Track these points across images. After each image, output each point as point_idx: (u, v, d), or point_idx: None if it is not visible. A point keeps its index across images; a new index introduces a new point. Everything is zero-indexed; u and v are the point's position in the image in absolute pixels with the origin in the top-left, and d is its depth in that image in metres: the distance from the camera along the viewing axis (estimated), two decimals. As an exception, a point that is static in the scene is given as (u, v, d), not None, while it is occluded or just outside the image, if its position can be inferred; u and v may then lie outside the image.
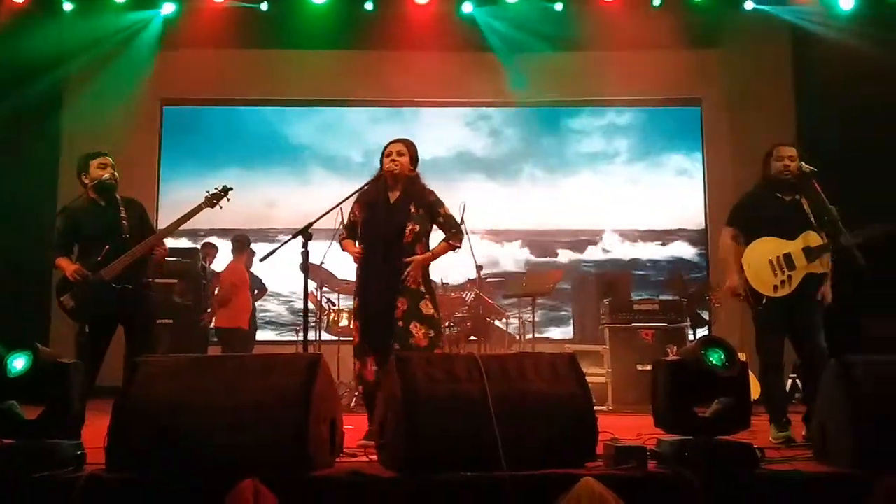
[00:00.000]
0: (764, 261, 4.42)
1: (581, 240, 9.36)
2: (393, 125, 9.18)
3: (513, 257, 9.31)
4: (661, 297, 7.47)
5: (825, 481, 2.99)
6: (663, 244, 9.37)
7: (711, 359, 3.12)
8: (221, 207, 4.96)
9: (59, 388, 3.04)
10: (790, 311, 4.38)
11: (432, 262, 4.45)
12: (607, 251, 9.31)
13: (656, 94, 9.32)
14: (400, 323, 4.25)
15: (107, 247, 4.63)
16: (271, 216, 9.19)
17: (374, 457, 3.26)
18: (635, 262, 9.25)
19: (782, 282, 4.37)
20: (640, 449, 3.03)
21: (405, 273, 4.28)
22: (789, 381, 6.59)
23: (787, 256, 4.39)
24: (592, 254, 9.29)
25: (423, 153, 4.66)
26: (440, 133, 9.42)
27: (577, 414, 3.10)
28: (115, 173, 4.80)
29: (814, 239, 4.40)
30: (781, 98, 8.84)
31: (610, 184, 9.47)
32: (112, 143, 6.25)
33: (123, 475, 2.88)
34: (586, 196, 9.42)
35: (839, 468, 3.09)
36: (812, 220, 4.45)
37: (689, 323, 7.03)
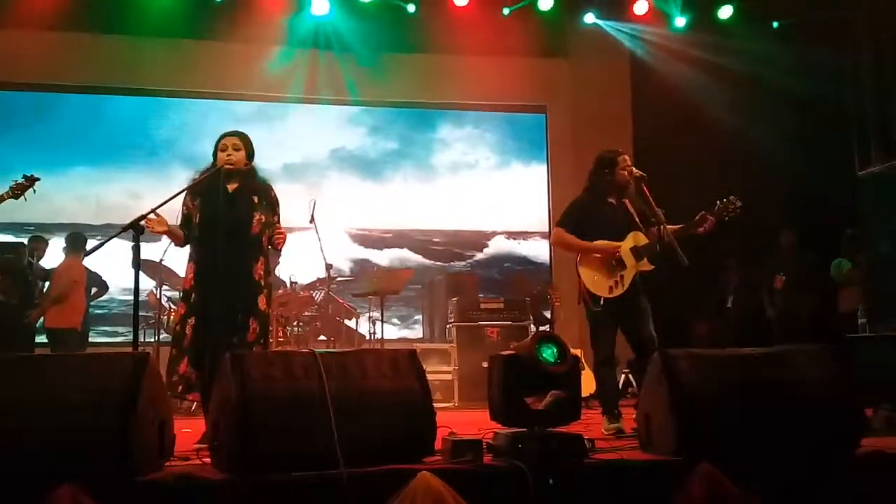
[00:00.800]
0: (597, 265, 4.63)
1: (424, 239, 9.46)
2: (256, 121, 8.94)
3: (387, 257, 9.27)
4: (506, 297, 7.67)
5: (648, 469, 3.15)
6: (516, 244, 9.61)
7: (544, 354, 3.22)
8: (26, 199, 4.63)
9: None
10: (622, 307, 4.61)
11: (279, 258, 4.36)
12: (459, 251, 9.45)
13: (507, 100, 9.57)
14: (238, 317, 4.15)
15: None
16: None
17: (208, 459, 3.13)
18: (487, 263, 9.44)
19: (616, 282, 4.58)
20: (477, 442, 3.09)
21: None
22: (622, 377, 6.92)
23: (618, 258, 4.61)
24: (442, 255, 9.40)
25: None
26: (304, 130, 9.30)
27: (416, 409, 3.11)
28: None
29: (640, 238, 4.65)
30: (620, 107, 9.31)
31: (466, 186, 9.62)
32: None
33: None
34: (443, 198, 9.53)
35: (662, 456, 3.26)
36: (637, 220, 4.70)
37: (531, 321, 7.25)
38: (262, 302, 4.24)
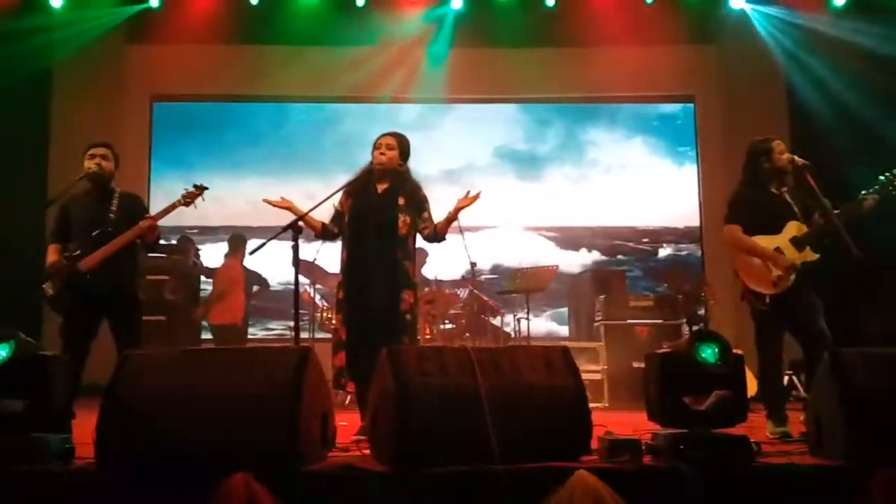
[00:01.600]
0: (757, 261, 4.40)
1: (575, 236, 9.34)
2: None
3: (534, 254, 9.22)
4: (657, 294, 7.45)
5: (819, 475, 2.96)
6: (658, 242, 9.35)
7: (704, 353, 3.10)
8: (196, 207, 4.89)
9: (40, 380, 2.99)
10: (789, 303, 4.36)
11: (425, 259, 4.45)
12: (599, 249, 9.28)
13: (650, 90, 9.30)
14: (407, 316, 4.24)
15: (90, 237, 4.56)
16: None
17: (367, 451, 3.22)
18: (630, 261, 9.22)
19: (779, 276, 4.34)
20: (635, 442, 3.00)
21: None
22: (786, 378, 6.56)
23: (778, 251, 4.37)
24: (584, 253, 9.25)
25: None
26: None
27: (571, 406, 3.06)
28: (105, 164, 4.72)
29: (799, 228, 4.39)
30: (774, 94, 8.84)
31: (616, 180, 9.43)
32: (102, 137, 6.20)
33: (112, 469, 2.84)
34: (593, 193, 9.40)
35: (834, 462, 3.06)
36: (796, 210, 4.44)
37: (684, 319, 7.01)
38: (409, 297, 4.32)
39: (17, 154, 8.14)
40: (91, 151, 4.73)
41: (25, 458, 2.84)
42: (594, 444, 3.10)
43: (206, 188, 4.84)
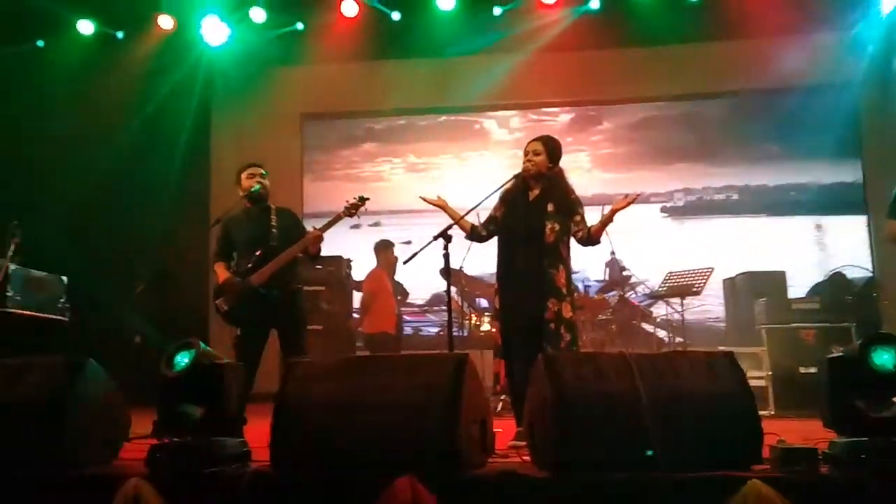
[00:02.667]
0: None
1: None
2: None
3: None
4: (823, 296, 7.03)
5: None
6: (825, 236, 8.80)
7: (879, 358, 2.90)
8: (359, 217, 5.07)
9: (218, 387, 3.16)
10: None
11: (570, 264, 4.39)
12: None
13: (809, 78, 8.78)
14: (552, 325, 4.20)
15: (257, 254, 4.84)
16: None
17: (527, 458, 3.22)
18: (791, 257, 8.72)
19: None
20: (811, 451, 2.84)
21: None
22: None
23: None
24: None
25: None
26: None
27: (739, 414, 2.94)
28: (264, 182, 5.00)
29: None
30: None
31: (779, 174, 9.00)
32: (257, 156, 6.56)
33: (286, 471, 2.99)
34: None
35: None
36: None
37: (854, 323, 6.57)
38: (566, 310, 4.26)
39: (183, 176, 8.78)
40: (250, 171, 5.02)
41: (208, 461, 3.02)
42: (765, 453, 2.96)
43: (368, 199, 5.01)
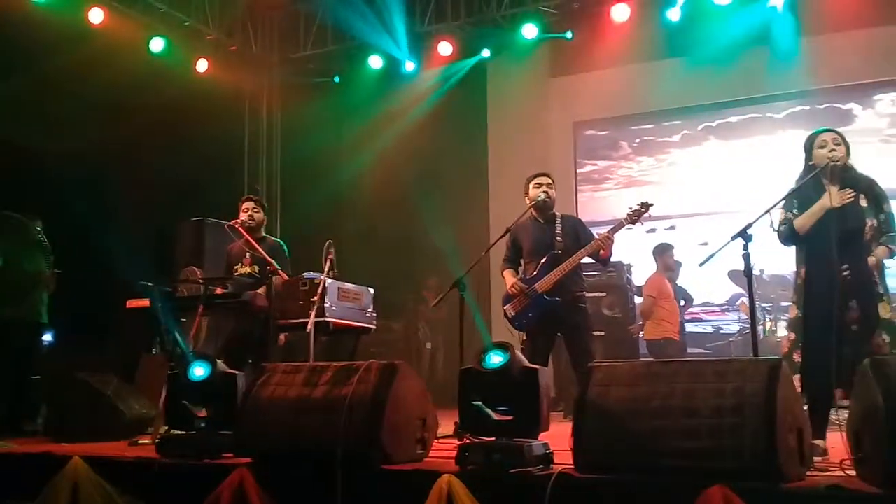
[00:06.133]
0: None
1: None
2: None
3: None
4: None
5: None
6: None
7: None
8: (643, 223, 4.99)
9: (526, 390, 3.25)
10: None
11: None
12: None
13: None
14: (854, 327, 3.85)
15: (542, 261, 4.95)
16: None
17: (852, 472, 2.95)
18: None
19: None
20: None
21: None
22: None
23: None
24: None
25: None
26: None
27: None
28: (550, 192, 5.11)
29: None
30: None
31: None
32: (534, 166, 6.70)
33: (590, 475, 3.00)
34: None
35: None
36: None
37: None
38: (882, 310, 3.90)
39: (463, 189, 9.24)
40: (537, 181, 5.15)
41: (516, 462, 3.11)
42: None
43: (651, 204, 4.94)
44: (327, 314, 5.25)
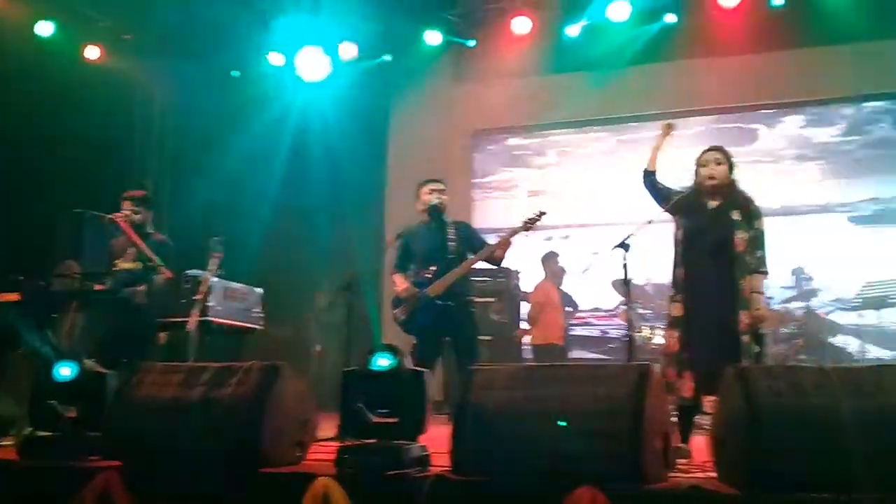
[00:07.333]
0: None
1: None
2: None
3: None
4: None
5: None
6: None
7: None
8: (536, 231, 5.11)
9: (417, 393, 3.27)
10: None
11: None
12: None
13: None
14: (746, 338, 4.07)
15: (433, 266, 4.99)
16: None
17: (712, 473, 3.10)
18: None
19: None
20: None
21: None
22: None
23: None
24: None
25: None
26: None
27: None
28: (443, 198, 5.16)
29: None
30: None
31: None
32: (429, 172, 6.74)
33: (466, 477, 3.04)
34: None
35: None
36: None
37: None
38: (745, 318, 4.10)
39: (360, 192, 9.19)
40: (431, 186, 5.19)
41: (394, 464, 3.12)
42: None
43: (545, 213, 5.06)
44: (210, 313, 5.12)
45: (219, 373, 3.56)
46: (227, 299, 5.38)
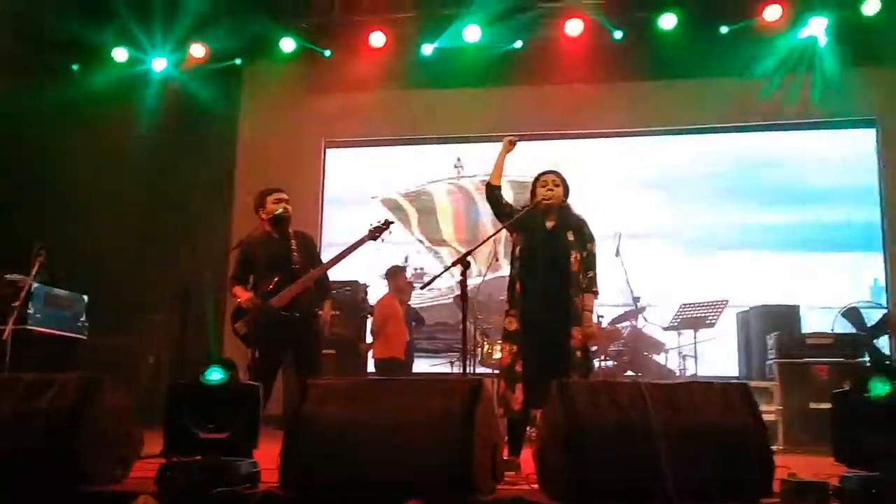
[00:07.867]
0: None
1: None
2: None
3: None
4: (836, 331, 7.00)
5: None
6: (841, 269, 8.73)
7: (876, 389, 2.93)
8: (383, 240, 5.13)
9: (250, 408, 3.20)
10: None
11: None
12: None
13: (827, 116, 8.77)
14: (578, 353, 4.26)
15: (277, 277, 4.89)
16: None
17: (536, 485, 3.22)
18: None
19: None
20: (822, 484, 2.84)
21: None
22: None
23: None
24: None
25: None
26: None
27: (752, 446, 2.94)
28: (288, 207, 5.08)
29: None
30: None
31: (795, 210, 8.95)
32: (279, 181, 6.63)
33: (295, 492, 3.00)
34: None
35: None
36: None
37: (867, 358, 6.53)
38: (577, 334, 4.32)
39: (207, 196, 8.90)
40: (276, 196, 5.10)
41: (218, 480, 3.03)
42: (775, 487, 2.95)
43: (392, 222, 5.08)
44: (30, 321, 4.79)
45: (34, 385, 3.34)
46: (50, 306, 5.05)
